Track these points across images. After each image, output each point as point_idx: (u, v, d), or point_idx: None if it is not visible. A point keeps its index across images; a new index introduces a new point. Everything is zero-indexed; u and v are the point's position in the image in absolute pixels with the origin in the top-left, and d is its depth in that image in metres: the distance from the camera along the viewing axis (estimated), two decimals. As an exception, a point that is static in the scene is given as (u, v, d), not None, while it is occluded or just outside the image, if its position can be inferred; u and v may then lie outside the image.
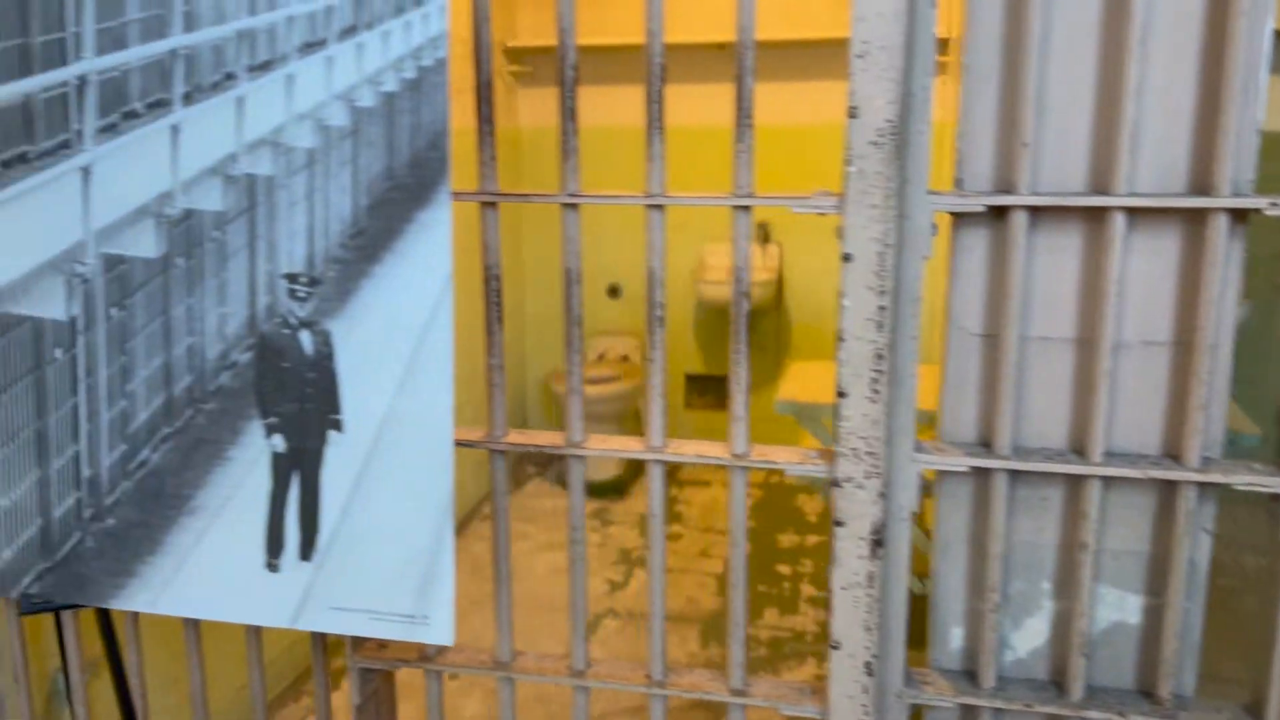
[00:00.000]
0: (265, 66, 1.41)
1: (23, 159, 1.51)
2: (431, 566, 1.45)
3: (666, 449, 1.58)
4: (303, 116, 1.41)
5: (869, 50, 1.38)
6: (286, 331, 1.45)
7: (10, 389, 1.56)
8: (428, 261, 1.38)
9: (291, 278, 1.44)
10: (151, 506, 1.53)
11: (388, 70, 1.38)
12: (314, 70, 1.40)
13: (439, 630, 1.47)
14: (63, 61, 1.47)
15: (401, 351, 1.41)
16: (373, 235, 1.41)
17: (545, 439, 1.62)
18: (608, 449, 1.59)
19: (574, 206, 1.48)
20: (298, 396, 1.46)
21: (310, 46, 1.39)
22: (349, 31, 1.38)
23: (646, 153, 1.48)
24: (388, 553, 1.46)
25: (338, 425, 1.45)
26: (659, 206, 1.50)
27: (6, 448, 1.57)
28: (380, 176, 1.41)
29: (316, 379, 1.45)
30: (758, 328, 5.26)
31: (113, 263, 1.50)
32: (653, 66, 1.46)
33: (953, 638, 1.61)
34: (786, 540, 4.44)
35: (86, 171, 1.48)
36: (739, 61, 1.44)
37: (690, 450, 1.60)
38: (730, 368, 1.54)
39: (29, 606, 1.61)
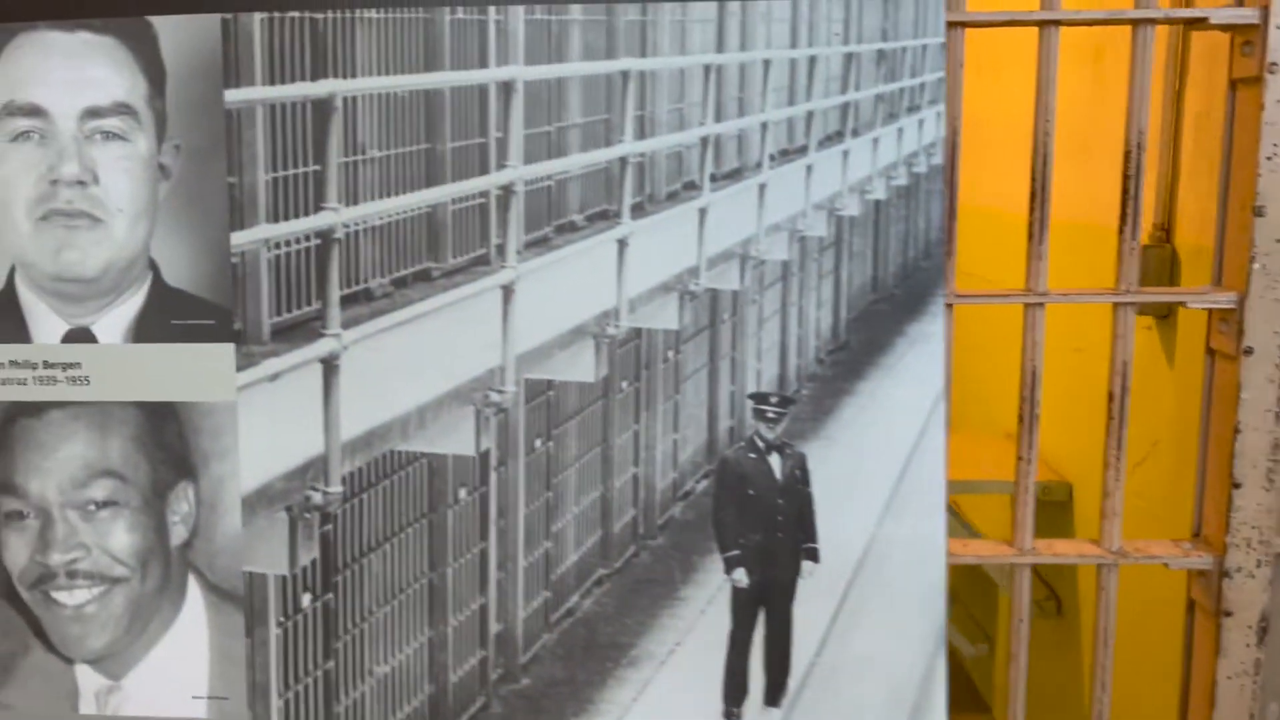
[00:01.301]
0: (733, 175, 1.32)
1: (425, 276, 1.35)
2: (921, 701, 1.35)
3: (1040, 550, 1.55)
4: (777, 227, 1.32)
5: (1278, 153, 1.44)
6: (753, 456, 1.33)
7: (395, 538, 1.36)
8: (920, 376, 1.31)
9: (760, 398, 1.33)
10: (580, 660, 1.36)
11: (876, 177, 1.31)
12: (791, 178, 1.31)
13: (932, 771, 1.36)
14: (480, 170, 1.33)
15: (888, 472, 1.32)
16: (855, 350, 1.33)
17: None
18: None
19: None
20: (765, 526, 1.34)
21: (786, 154, 1.31)
22: (833, 138, 1.31)
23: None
24: (870, 690, 1.35)
25: (813, 555, 1.34)
26: (1040, 305, 1.46)
27: (388, 605, 1.37)
28: (864, 288, 1.33)
29: (787, 505, 1.33)
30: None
31: (537, 389, 1.35)
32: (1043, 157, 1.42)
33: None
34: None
35: (508, 290, 1.33)
36: (1129, 161, 1.46)
37: (1067, 550, 1.57)
38: (1105, 462, 1.52)
39: (419, 789, 1.38)
